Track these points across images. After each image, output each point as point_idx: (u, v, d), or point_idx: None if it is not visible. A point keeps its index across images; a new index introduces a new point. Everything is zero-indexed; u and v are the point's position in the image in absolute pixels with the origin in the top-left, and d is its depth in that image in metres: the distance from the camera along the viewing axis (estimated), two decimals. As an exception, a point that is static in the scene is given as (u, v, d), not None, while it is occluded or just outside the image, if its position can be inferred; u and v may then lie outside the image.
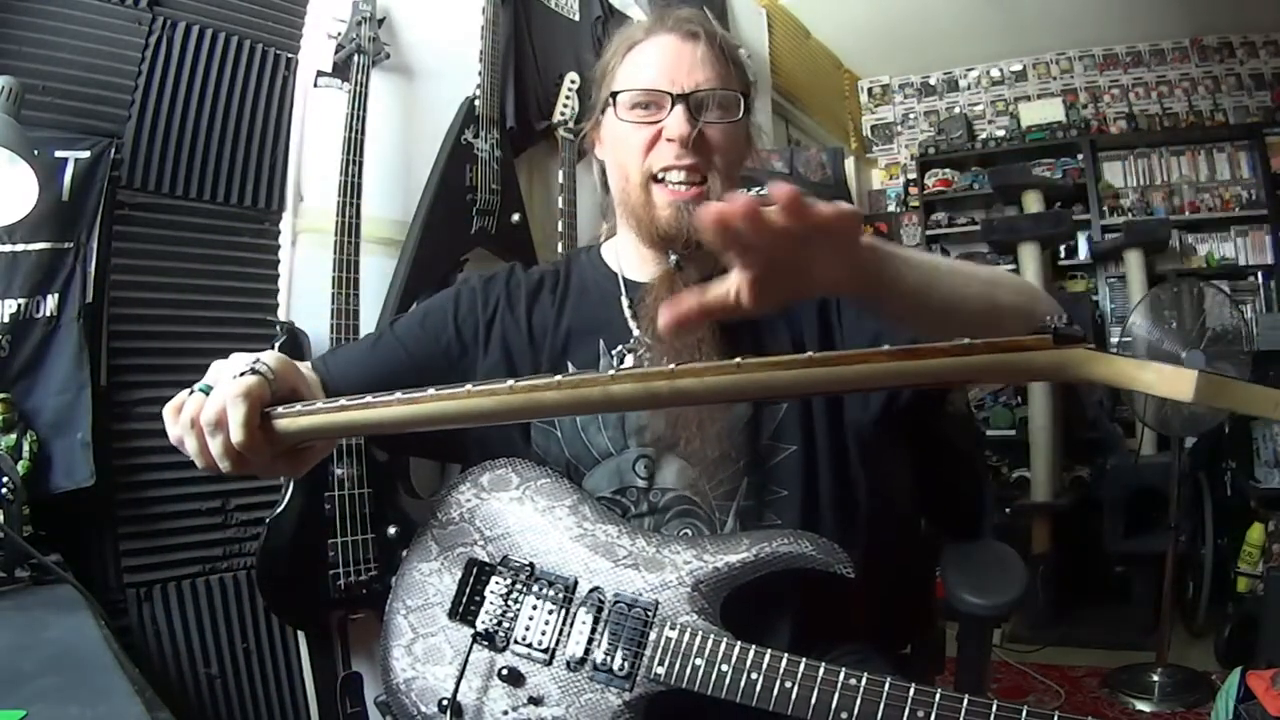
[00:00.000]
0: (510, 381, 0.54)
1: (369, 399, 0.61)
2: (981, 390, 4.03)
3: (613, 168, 0.98)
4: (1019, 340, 0.42)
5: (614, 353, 0.96)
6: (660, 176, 0.91)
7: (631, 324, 0.97)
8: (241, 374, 0.68)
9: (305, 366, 0.97)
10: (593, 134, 1.03)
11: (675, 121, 0.89)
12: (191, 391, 0.70)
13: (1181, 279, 2.90)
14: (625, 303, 0.98)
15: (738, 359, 0.48)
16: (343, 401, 0.63)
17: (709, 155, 0.91)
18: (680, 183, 0.91)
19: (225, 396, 0.66)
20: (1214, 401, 0.36)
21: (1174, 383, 0.37)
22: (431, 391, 0.57)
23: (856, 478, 0.93)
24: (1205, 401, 0.36)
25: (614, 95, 0.94)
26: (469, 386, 0.56)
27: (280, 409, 0.67)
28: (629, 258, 1.01)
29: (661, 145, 0.91)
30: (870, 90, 4.80)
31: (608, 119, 0.97)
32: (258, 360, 0.71)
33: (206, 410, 0.67)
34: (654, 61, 0.93)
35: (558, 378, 0.53)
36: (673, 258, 0.94)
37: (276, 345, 1.48)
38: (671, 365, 0.49)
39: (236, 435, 0.66)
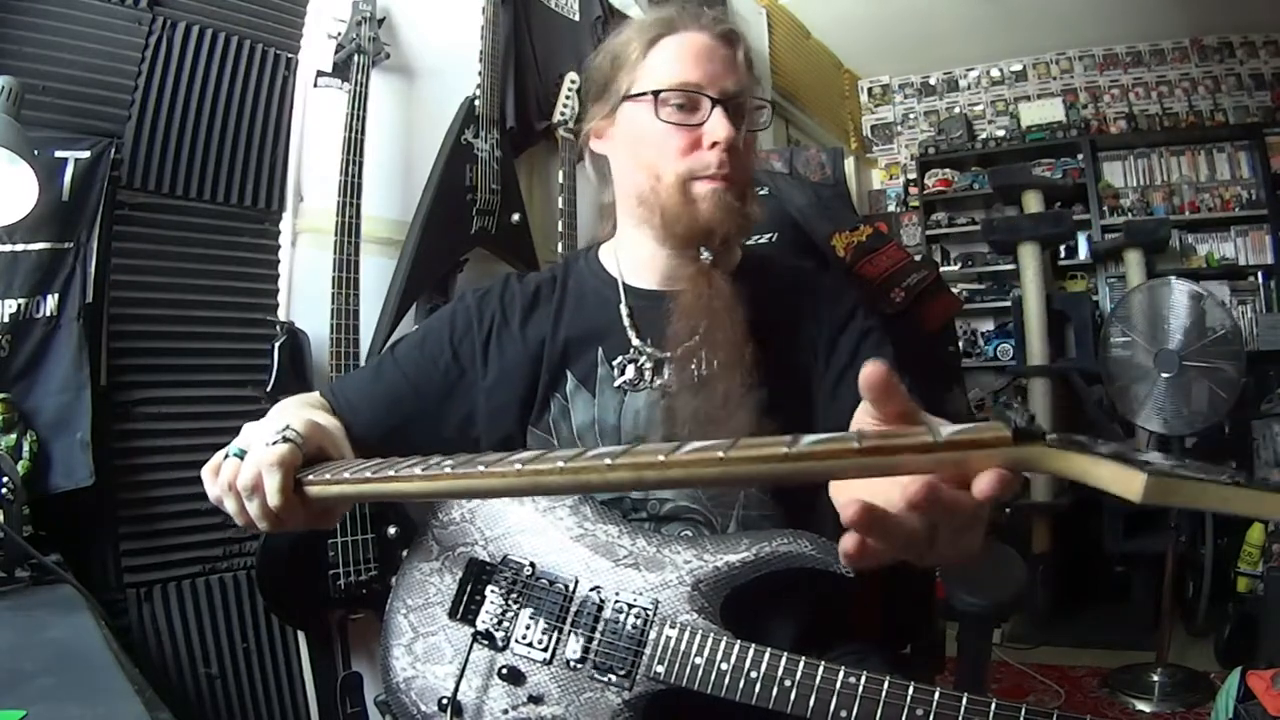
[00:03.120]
0: (517, 465, 0.55)
1: (391, 471, 0.64)
2: (981, 390, 4.04)
3: (635, 166, 0.93)
4: (980, 439, 0.44)
5: (614, 363, 0.94)
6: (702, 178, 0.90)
7: (631, 333, 0.95)
8: (274, 441, 0.71)
9: (315, 396, 0.99)
10: (601, 126, 0.98)
11: (719, 125, 0.88)
12: (227, 455, 0.73)
13: (1176, 277, 2.90)
14: (625, 310, 0.96)
15: (720, 453, 0.49)
16: (367, 473, 0.66)
17: (743, 160, 0.92)
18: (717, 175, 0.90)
19: (260, 464, 0.69)
20: (1163, 500, 0.38)
21: (1126, 482, 0.39)
22: (448, 469, 0.60)
23: None
24: (1154, 501, 0.38)
25: (655, 94, 0.90)
26: (480, 467, 0.58)
27: (311, 475, 0.70)
28: (632, 262, 0.98)
29: (702, 150, 0.89)
30: (870, 90, 4.80)
31: (636, 116, 0.92)
32: (287, 427, 0.73)
33: (243, 476, 0.70)
34: (690, 59, 0.90)
35: (560, 464, 0.54)
36: (705, 254, 0.92)
37: (276, 345, 1.49)
38: (661, 457, 0.50)
39: (273, 500, 0.69)
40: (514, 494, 0.58)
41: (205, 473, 0.75)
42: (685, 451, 0.50)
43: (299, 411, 0.85)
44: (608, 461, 0.52)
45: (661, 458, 0.50)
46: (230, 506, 0.73)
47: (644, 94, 0.91)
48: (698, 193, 0.90)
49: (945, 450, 0.45)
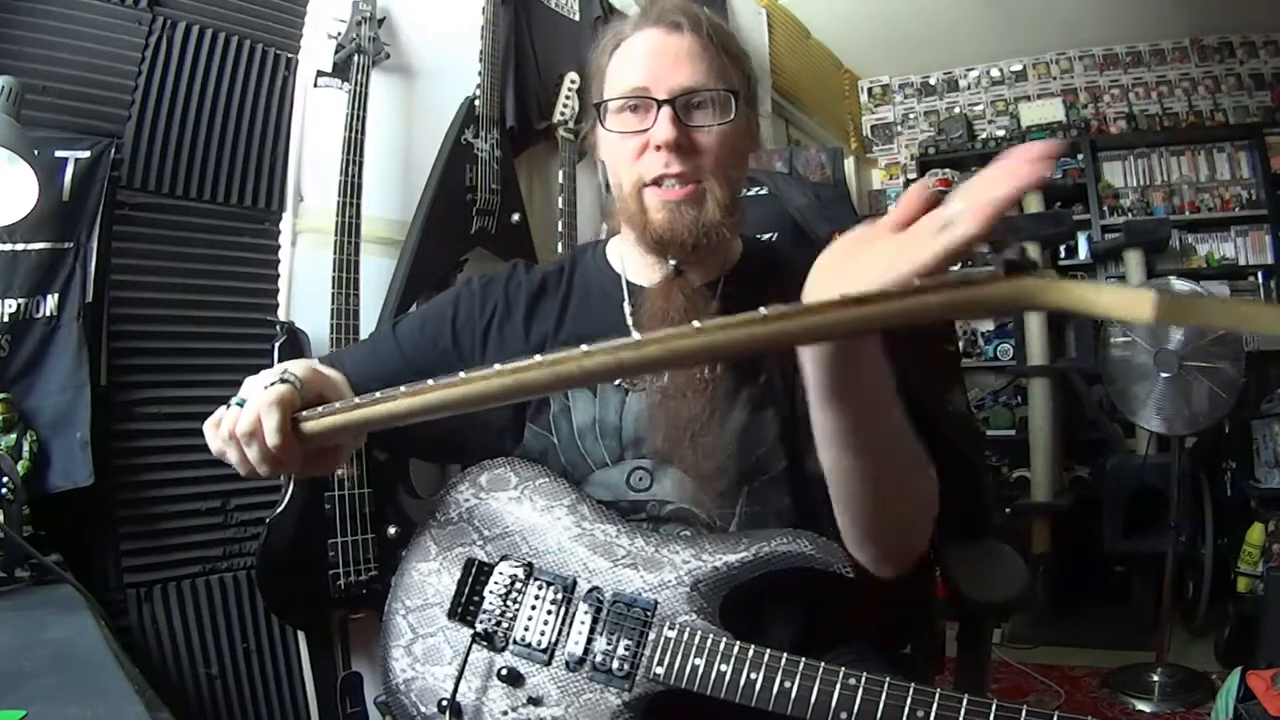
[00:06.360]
0: (497, 366, 0.58)
1: (378, 395, 0.66)
2: (981, 390, 4.03)
3: (611, 174, 0.95)
4: (968, 275, 0.41)
5: None
6: (651, 182, 0.88)
7: (634, 331, 0.94)
8: (271, 384, 0.73)
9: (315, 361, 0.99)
10: (591, 135, 0.99)
11: (661, 129, 0.85)
12: (229, 405, 0.75)
13: (1176, 277, 2.90)
14: (628, 308, 0.96)
15: (695, 323, 0.49)
16: (356, 400, 0.69)
17: (702, 159, 0.87)
18: (673, 182, 0.87)
19: (258, 406, 0.71)
20: (1176, 320, 0.35)
21: (1133, 304, 0.35)
22: (431, 383, 0.62)
23: None
24: (1167, 320, 0.34)
25: (598, 105, 0.91)
26: (463, 374, 0.60)
27: (306, 412, 0.73)
28: (631, 261, 0.99)
29: (650, 153, 0.87)
30: (870, 90, 4.79)
31: (599, 125, 0.93)
32: (285, 370, 0.75)
33: (242, 421, 0.72)
34: (639, 60, 0.88)
35: (538, 357, 0.56)
36: (671, 263, 0.92)
37: (276, 345, 1.48)
38: (637, 336, 0.51)
39: (271, 439, 0.70)
40: (500, 398, 0.59)
41: (207, 427, 0.77)
42: (659, 331, 0.51)
43: (299, 362, 0.86)
44: (584, 349, 0.53)
45: (637, 337, 0.52)
46: (232, 455, 0.74)
47: (600, 104, 0.91)
48: (648, 202, 0.88)
49: (936, 291, 0.42)
